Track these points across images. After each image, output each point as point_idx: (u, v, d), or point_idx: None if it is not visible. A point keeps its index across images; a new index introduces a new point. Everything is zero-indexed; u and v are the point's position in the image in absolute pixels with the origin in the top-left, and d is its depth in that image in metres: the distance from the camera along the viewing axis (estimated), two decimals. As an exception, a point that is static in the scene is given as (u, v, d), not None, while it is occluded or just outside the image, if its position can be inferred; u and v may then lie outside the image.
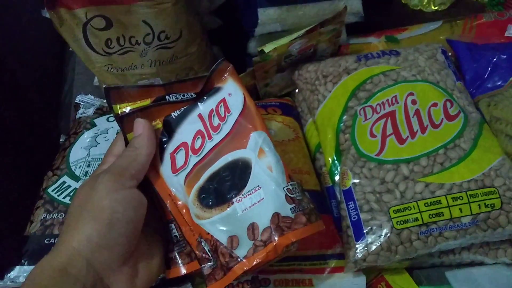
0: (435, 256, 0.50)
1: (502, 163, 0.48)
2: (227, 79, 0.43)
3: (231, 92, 0.42)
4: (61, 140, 0.57)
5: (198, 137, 0.41)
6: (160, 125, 0.42)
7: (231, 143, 0.40)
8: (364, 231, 0.46)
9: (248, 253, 0.36)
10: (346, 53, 0.67)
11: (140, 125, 0.40)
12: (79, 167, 0.48)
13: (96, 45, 0.53)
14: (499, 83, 0.55)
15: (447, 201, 0.45)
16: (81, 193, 0.37)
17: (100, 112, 0.54)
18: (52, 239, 0.44)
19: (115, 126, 0.52)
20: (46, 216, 0.45)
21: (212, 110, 0.42)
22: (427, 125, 0.50)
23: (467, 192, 0.45)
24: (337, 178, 0.51)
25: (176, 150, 0.41)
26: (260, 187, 0.38)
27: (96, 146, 0.50)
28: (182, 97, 0.43)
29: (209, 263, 0.38)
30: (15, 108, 0.58)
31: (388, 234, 0.45)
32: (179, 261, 0.40)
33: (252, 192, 0.38)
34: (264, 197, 0.37)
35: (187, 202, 0.40)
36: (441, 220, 0.45)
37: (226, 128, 0.41)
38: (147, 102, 0.43)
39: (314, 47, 0.60)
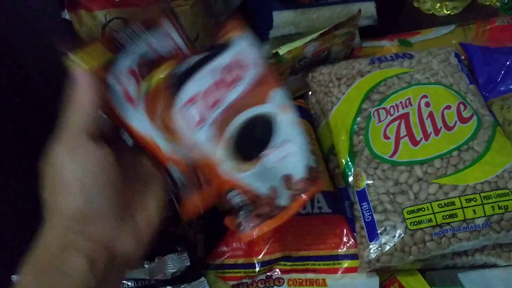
0: (448, 258, 0.50)
1: (516, 165, 0.48)
2: (239, 34, 0.41)
3: (245, 48, 0.40)
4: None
5: (213, 92, 0.39)
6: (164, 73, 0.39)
7: (250, 98, 0.40)
8: (378, 232, 0.46)
9: (289, 202, 0.39)
10: (359, 56, 0.68)
11: (76, 75, 0.35)
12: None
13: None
14: (512, 86, 0.55)
15: (460, 202, 0.46)
16: (43, 167, 0.34)
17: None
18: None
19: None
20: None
21: (227, 65, 0.40)
22: (441, 127, 0.50)
23: (481, 194, 0.46)
24: (350, 179, 0.51)
25: (189, 102, 0.38)
26: (290, 140, 0.40)
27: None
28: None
29: (244, 211, 0.39)
30: (33, 111, 0.59)
31: (402, 235, 0.45)
32: (249, 224, 0.39)
33: (282, 145, 0.39)
34: (298, 150, 0.40)
35: (218, 157, 0.38)
36: (454, 221, 0.45)
37: (244, 84, 0.40)
38: None
39: (328, 49, 0.60)
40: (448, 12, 0.75)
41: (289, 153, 0.39)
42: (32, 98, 0.61)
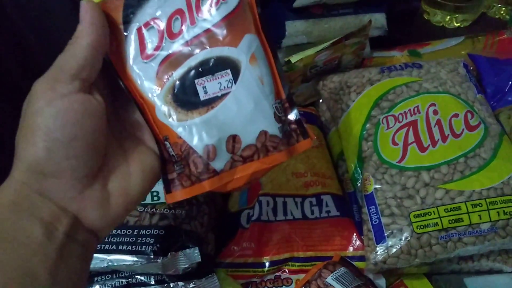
0: (454, 262, 0.51)
1: (522, 173, 0.49)
2: None
3: None
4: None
5: (177, 18, 0.33)
6: None
7: (219, 36, 0.33)
8: (385, 234, 0.47)
9: (225, 167, 0.33)
10: (370, 66, 0.69)
11: (83, 9, 0.30)
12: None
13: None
14: (519, 96, 0.56)
15: (466, 207, 0.47)
16: (23, 108, 0.30)
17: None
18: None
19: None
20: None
21: None
22: (448, 134, 0.51)
23: (486, 199, 0.47)
24: (359, 184, 0.53)
25: (146, 26, 0.33)
26: (248, 97, 0.33)
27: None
28: None
29: (177, 168, 0.33)
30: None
31: (409, 238, 0.46)
32: (179, 184, 0.33)
33: (237, 100, 0.33)
34: (253, 109, 0.33)
35: (155, 97, 0.33)
36: (460, 226, 0.46)
37: (217, 16, 0.33)
38: None
39: (338, 58, 0.62)
40: (458, 24, 0.77)
41: (243, 111, 0.33)
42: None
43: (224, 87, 0.33)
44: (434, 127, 0.52)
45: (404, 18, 0.77)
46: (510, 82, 0.57)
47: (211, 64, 0.33)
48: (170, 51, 0.33)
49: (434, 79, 0.57)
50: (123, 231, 0.45)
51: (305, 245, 0.50)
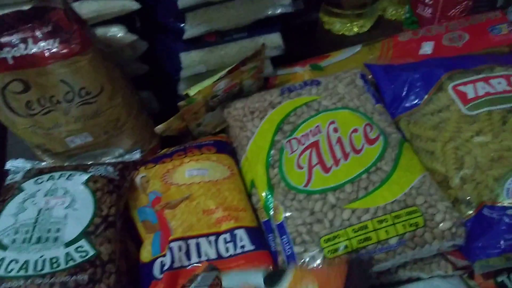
0: (373, 277, 0.51)
1: (423, 181, 0.50)
2: None
3: None
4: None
5: None
6: None
7: None
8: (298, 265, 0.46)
9: None
10: (275, 84, 0.69)
11: None
12: (7, 235, 0.47)
13: (17, 108, 0.53)
14: (415, 101, 0.57)
15: (373, 225, 0.47)
16: None
17: (28, 175, 0.54)
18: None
19: (42, 189, 0.51)
20: (-26, 292, 0.44)
21: None
22: (349, 151, 0.51)
23: (391, 214, 0.47)
24: (272, 212, 0.52)
25: None
26: None
27: (24, 211, 0.49)
28: None
29: None
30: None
31: (321, 265, 0.46)
32: None
33: None
34: None
35: None
36: (369, 244, 0.46)
37: None
38: None
39: (239, 84, 0.61)
40: (357, 30, 0.78)
41: None
42: None
43: None
44: (336, 145, 0.52)
45: (305, 31, 0.77)
46: (406, 88, 0.58)
47: None
48: None
49: (332, 95, 0.57)
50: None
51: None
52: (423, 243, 0.47)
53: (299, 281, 0.42)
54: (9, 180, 0.55)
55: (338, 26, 0.78)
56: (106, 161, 0.58)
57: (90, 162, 0.57)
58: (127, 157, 0.61)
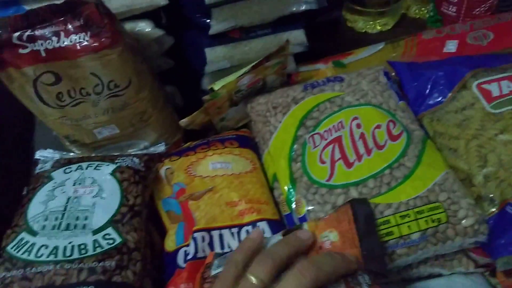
0: (394, 273, 0.51)
1: (446, 177, 0.50)
2: None
3: None
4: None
5: None
6: None
7: None
8: (320, 257, 0.47)
9: None
10: (297, 81, 0.70)
11: None
12: (37, 222, 0.49)
13: (48, 99, 0.54)
14: (439, 99, 0.57)
15: (395, 219, 0.47)
16: None
17: (57, 165, 0.55)
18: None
19: (71, 178, 0.53)
20: (5, 275, 0.45)
21: None
22: (372, 147, 0.52)
23: (414, 209, 0.47)
24: (294, 205, 0.52)
25: None
26: None
27: (54, 199, 0.51)
28: None
29: None
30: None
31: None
32: None
33: None
34: None
35: None
36: (392, 239, 0.47)
37: None
38: None
39: (262, 80, 0.62)
40: (380, 28, 0.78)
41: None
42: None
43: None
44: (359, 141, 0.53)
45: (328, 29, 0.78)
46: (429, 86, 0.58)
47: None
48: None
49: (355, 92, 0.57)
50: (49, 293, 0.43)
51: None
52: (445, 239, 0.47)
53: (316, 231, 0.44)
54: (38, 169, 0.56)
55: (361, 24, 0.78)
56: (132, 153, 0.60)
57: (117, 154, 0.59)
58: (152, 150, 0.62)
